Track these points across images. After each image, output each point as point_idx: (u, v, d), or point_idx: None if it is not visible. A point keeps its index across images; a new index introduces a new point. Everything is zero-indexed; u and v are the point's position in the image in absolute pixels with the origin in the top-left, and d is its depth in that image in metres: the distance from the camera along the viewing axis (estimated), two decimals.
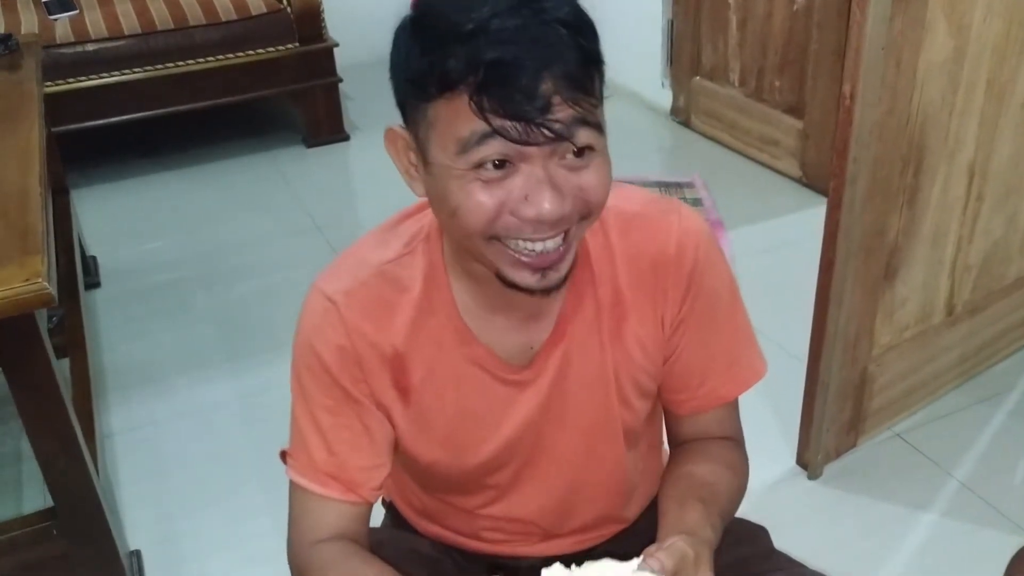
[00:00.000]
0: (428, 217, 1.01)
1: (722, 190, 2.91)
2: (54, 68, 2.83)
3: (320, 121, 3.35)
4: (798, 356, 1.80)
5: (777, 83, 2.91)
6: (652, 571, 0.88)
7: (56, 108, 2.75)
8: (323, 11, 3.22)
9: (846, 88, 1.45)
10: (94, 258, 2.66)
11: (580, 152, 0.85)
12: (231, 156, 3.35)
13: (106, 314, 2.47)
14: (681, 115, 3.37)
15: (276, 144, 3.41)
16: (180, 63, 3.06)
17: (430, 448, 1.08)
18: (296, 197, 2.99)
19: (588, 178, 0.87)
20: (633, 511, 1.26)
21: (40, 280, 1.25)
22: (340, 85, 3.33)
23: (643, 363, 1.08)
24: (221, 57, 3.10)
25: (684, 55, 3.26)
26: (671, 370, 1.10)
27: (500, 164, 0.84)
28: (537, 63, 0.81)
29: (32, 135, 1.72)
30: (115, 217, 2.99)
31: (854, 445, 1.86)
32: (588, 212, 0.89)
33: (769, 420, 1.93)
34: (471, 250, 0.93)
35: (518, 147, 0.83)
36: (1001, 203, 1.83)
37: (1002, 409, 1.95)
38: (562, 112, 0.82)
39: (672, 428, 1.19)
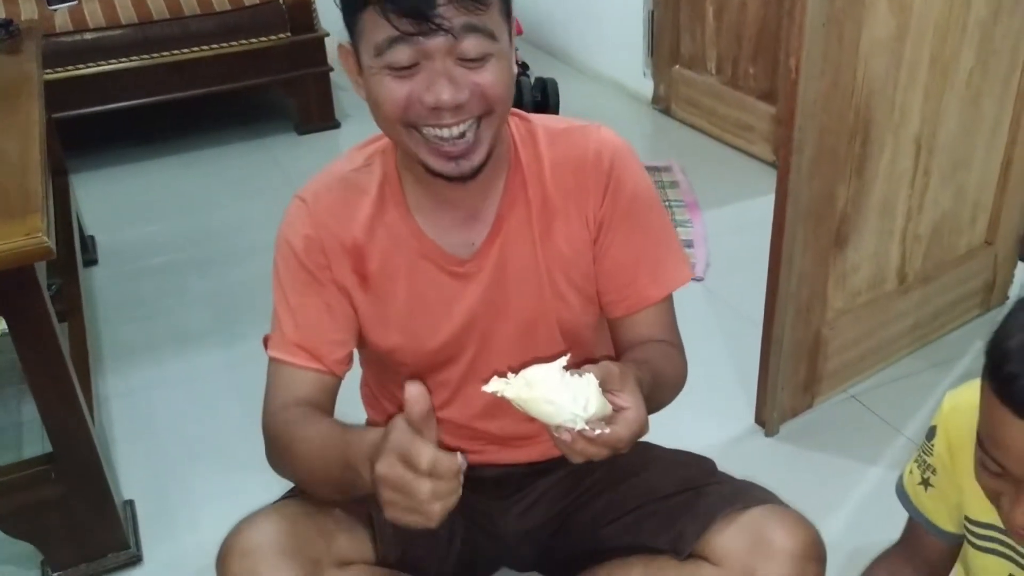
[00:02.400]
0: (386, 137, 1.18)
1: (698, 174, 3.02)
2: (54, 56, 2.93)
3: (312, 109, 3.46)
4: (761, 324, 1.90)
5: (751, 70, 3.02)
6: (577, 373, 0.96)
7: (56, 95, 2.84)
8: (315, 2, 3.33)
9: (791, 61, 1.55)
10: (92, 237, 2.76)
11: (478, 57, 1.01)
12: (225, 143, 3.46)
13: (103, 290, 2.58)
14: (661, 103, 3.48)
15: (269, 131, 3.52)
16: (176, 52, 3.18)
17: (388, 333, 1.23)
18: (288, 183, 3.08)
19: (484, 75, 1.03)
20: None
21: (40, 235, 1.35)
22: (331, 74, 3.44)
23: (573, 259, 1.21)
24: (215, 46, 3.21)
25: (664, 45, 3.37)
26: (600, 271, 1.23)
27: (410, 65, 1.01)
28: None
29: (32, 112, 1.82)
30: (113, 201, 3.09)
31: (810, 406, 1.96)
32: (489, 107, 1.05)
33: (733, 383, 2.03)
34: (398, 142, 1.10)
35: (419, 46, 0.99)
36: (949, 177, 1.93)
37: (953, 374, 2.05)
38: (449, 12, 0.98)
39: (616, 338, 1.29)
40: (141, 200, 3.12)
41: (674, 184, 2.92)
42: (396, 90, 1.02)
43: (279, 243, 1.21)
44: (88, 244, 2.69)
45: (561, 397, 0.93)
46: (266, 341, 1.22)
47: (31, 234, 1.35)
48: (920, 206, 1.91)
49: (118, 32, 3.12)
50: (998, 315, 2.24)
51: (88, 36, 3.08)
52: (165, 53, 3.16)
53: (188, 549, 1.72)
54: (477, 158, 1.07)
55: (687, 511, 1.24)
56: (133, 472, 1.90)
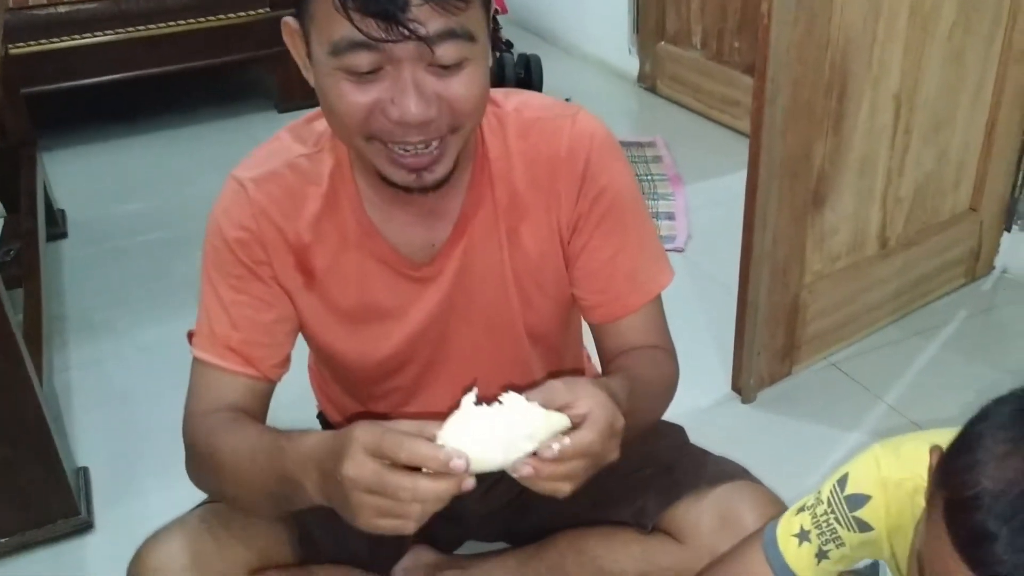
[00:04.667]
0: None
1: (683, 149, 2.96)
2: (27, 29, 2.89)
3: (292, 86, 3.39)
4: None
5: (736, 44, 2.96)
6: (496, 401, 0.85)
7: (28, 69, 2.81)
8: None
9: (763, 7, 1.49)
10: (62, 211, 2.70)
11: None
12: (203, 121, 3.41)
13: (71, 263, 2.52)
14: (647, 81, 3.42)
15: (248, 109, 3.47)
16: (152, 26, 3.12)
17: (336, 338, 1.12)
18: None
19: (456, 87, 0.89)
20: None
21: None
22: None
23: (541, 263, 1.11)
24: (193, 21, 3.15)
25: (649, 21, 3.31)
26: (575, 275, 1.13)
27: (372, 71, 0.86)
28: None
29: None
30: (86, 178, 3.04)
31: (789, 373, 1.91)
32: (458, 124, 0.92)
33: (710, 351, 1.98)
34: (352, 148, 0.97)
35: (385, 53, 0.84)
36: (931, 136, 1.88)
37: (936, 342, 2.00)
38: (423, 14, 0.83)
39: (598, 343, 1.20)
40: (116, 178, 3.06)
41: (657, 159, 2.86)
42: (355, 99, 0.88)
43: (211, 229, 1.07)
44: (57, 217, 2.64)
45: (498, 443, 0.81)
46: (190, 336, 1.11)
47: None
48: (901, 167, 1.85)
49: (92, 5, 3.05)
50: (983, 285, 2.18)
51: (62, 9, 3.02)
52: (140, 27, 3.10)
53: (140, 517, 1.65)
54: (441, 170, 0.95)
55: (652, 486, 1.20)
56: (90, 441, 1.84)
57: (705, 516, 1.15)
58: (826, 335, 1.93)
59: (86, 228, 2.70)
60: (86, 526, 1.62)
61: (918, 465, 0.87)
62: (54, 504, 1.59)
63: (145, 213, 2.82)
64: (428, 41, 0.84)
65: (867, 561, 1.17)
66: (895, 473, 0.91)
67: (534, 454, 0.83)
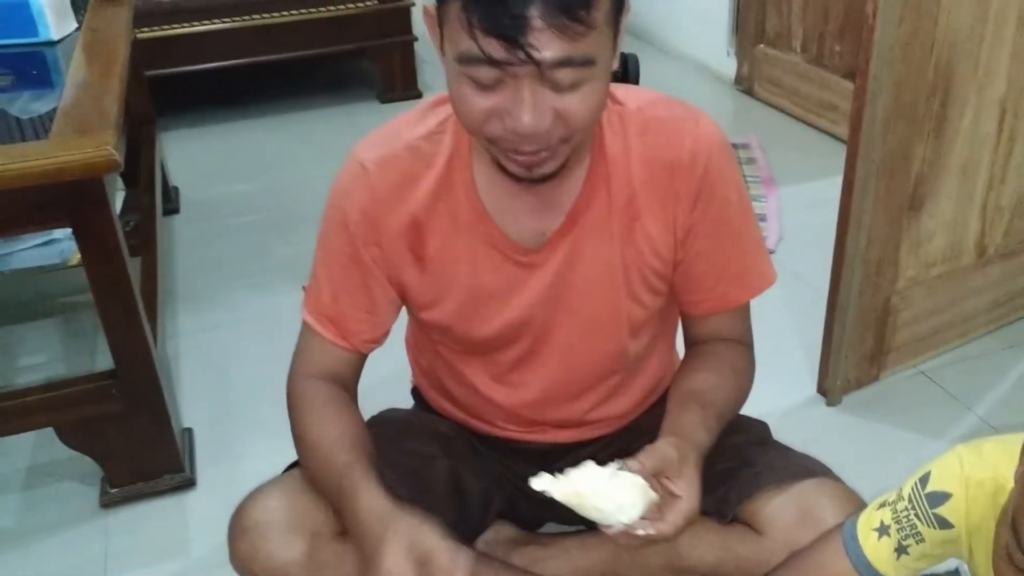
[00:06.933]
0: None
1: (778, 152, 2.95)
2: (152, 16, 3.04)
3: (395, 78, 3.49)
4: None
5: (837, 48, 2.93)
6: (631, 471, 0.98)
7: (152, 53, 2.96)
8: None
9: (869, 7, 1.50)
10: (176, 188, 2.85)
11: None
12: (310, 108, 3.53)
13: (181, 238, 2.65)
14: (744, 84, 3.41)
15: (353, 99, 3.58)
16: (267, 15, 3.24)
17: (439, 315, 1.18)
18: None
19: (573, 103, 0.92)
20: (635, 406, 1.33)
21: (109, 148, 1.40)
22: (416, 44, 3.47)
23: (653, 262, 1.14)
24: (304, 11, 3.27)
25: (749, 23, 3.30)
26: (685, 274, 1.17)
27: (492, 83, 0.91)
28: None
29: (117, 48, 1.89)
30: (199, 158, 3.17)
31: (876, 378, 1.89)
32: (569, 135, 0.96)
33: (796, 351, 1.98)
34: (473, 136, 1.02)
35: (504, 70, 0.89)
36: None
37: None
38: (544, 38, 0.86)
39: (687, 328, 1.27)
40: (226, 159, 3.19)
41: (751, 160, 2.86)
42: (476, 103, 0.93)
43: (332, 206, 1.14)
44: (172, 194, 2.78)
45: (607, 506, 0.97)
46: (306, 293, 1.20)
47: (100, 147, 1.40)
48: (1003, 174, 1.83)
49: None
50: None
51: None
52: (256, 16, 3.23)
53: (239, 478, 1.75)
54: (550, 167, 0.99)
55: (733, 477, 1.21)
56: (196, 404, 1.95)
57: (785, 509, 1.16)
58: (917, 342, 1.91)
59: (197, 206, 2.83)
60: (189, 483, 1.72)
61: (1001, 466, 0.88)
62: (161, 460, 1.70)
63: (251, 194, 2.94)
64: (544, 65, 0.88)
65: (949, 566, 1.17)
66: (977, 472, 0.92)
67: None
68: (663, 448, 1.01)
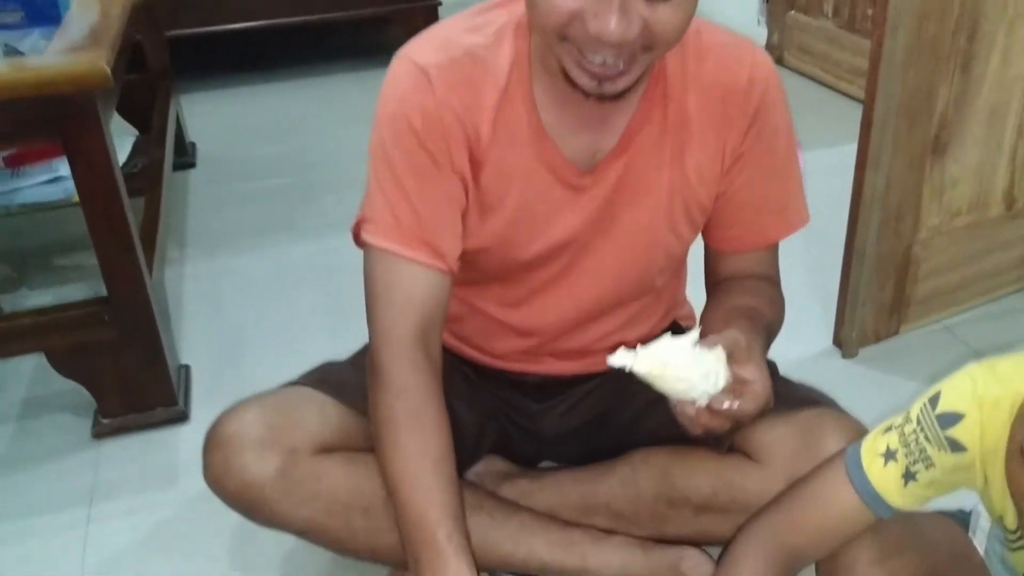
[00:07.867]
0: (520, 10, 1.03)
1: (806, 118, 2.84)
2: None
3: None
4: None
5: (870, 11, 2.85)
6: (709, 347, 0.94)
7: (174, 13, 2.96)
8: None
9: None
10: (193, 144, 2.83)
11: None
12: (334, 73, 3.51)
13: (196, 190, 2.64)
14: (775, 52, 3.32)
15: (376, 64, 3.53)
16: None
17: (484, 235, 1.11)
18: None
19: (663, 12, 0.89)
20: (641, 338, 1.29)
21: (100, 63, 1.37)
22: (439, 9, 3.43)
23: (698, 191, 1.12)
24: None
25: None
26: (725, 205, 1.14)
27: None
28: None
29: None
30: (221, 118, 3.16)
31: (896, 332, 1.82)
32: (652, 44, 0.92)
33: (812, 302, 1.91)
34: (545, 42, 0.96)
35: None
36: None
37: None
38: None
39: (712, 266, 1.22)
40: (248, 121, 3.16)
41: None
42: (561, 3, 0.89)
43: (387, 116, 1.03)
44: (188, 149, 2.77)
45: (693, 375, 0.92)
46: (356, 228, 1.08)
47: (92, 62, 1.38)
48: None
49: None
50: None
51: None
52: None
53: None
54: (623, 84, 0.94)
55: None
56: (196, 344, 1.92)
57: (785, 438, 1.13)
58: (940, 296, 1.83)
59: (214, 163, 2.81)
60: (182, 416, 1.69)
61: (1017, 383, 0.82)
62: (154, 392, 1.67)
63: (271, 157, 2.91)
64: None
65: (958, 505, 1.10)
66: (992, 391, 0.85)
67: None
68: (734, 334, 0.97)
